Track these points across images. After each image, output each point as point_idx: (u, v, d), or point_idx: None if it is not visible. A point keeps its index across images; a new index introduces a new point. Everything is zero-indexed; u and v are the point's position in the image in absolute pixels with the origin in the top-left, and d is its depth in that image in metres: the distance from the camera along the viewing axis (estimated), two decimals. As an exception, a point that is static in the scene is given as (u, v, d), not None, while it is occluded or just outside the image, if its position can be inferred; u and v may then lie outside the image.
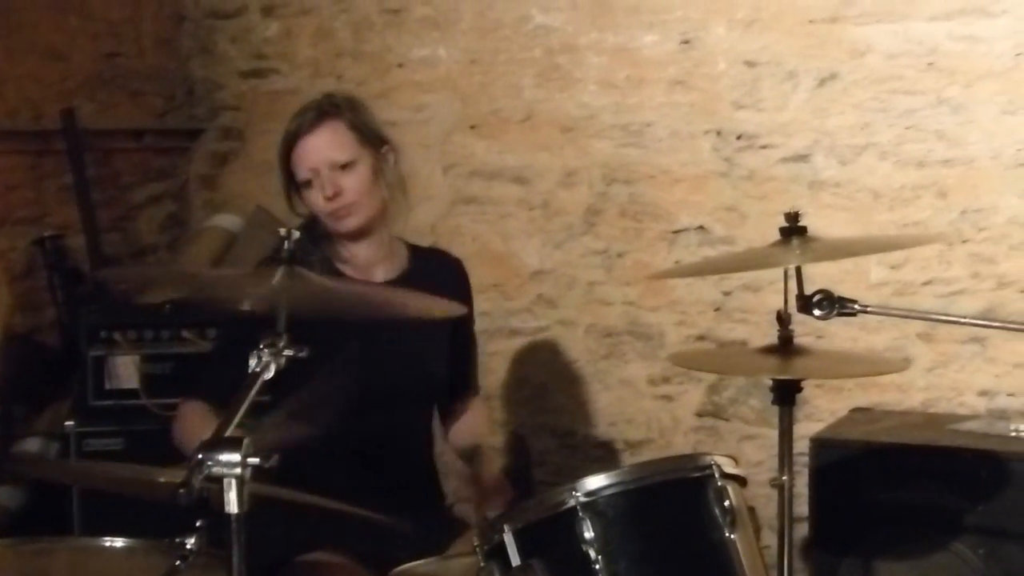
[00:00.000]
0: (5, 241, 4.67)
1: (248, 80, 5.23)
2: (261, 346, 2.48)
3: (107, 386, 4.30)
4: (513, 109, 4.80)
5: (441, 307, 3.01)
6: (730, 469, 2.80)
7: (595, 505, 2.69)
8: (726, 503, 2.73)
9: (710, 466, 2.76)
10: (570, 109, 4.70)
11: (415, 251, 3.60)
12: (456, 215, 4.93)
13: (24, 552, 2.73)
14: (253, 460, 2.21)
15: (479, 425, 3.77)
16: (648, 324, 4.60)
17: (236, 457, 2.20)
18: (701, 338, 4.53)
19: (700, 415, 4.57)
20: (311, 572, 3.25)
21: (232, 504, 2.19)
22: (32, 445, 4.39)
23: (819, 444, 3.83)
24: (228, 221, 5.08)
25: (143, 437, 4.21)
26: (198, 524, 2.26)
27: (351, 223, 3.38)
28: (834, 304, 2.98)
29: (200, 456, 2.19)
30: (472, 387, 3.81)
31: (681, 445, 4.56)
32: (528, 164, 4.80)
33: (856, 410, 4.21)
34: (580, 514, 2.65)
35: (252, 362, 2.46)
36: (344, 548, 3.26)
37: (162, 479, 2.40)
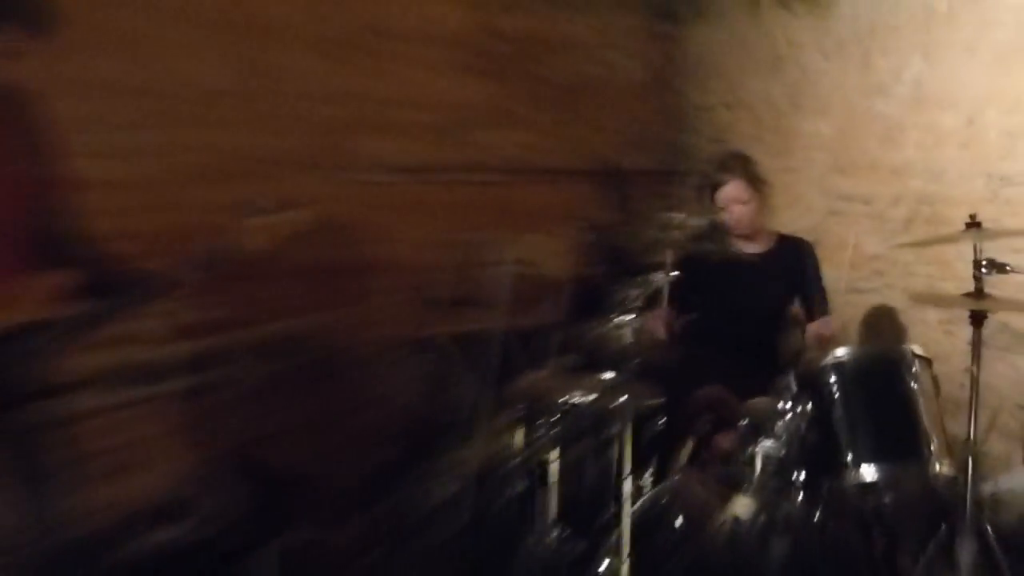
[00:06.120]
0: None
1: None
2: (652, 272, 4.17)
3: None
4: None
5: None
6: (919, 352, 3.96)
7: (840, 366, 3.93)
8: (913, 370, 3.87)
9: (907, 349, 3.97)
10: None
11: (780, 237, 5.30)
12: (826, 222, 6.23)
13: None
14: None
15: (827, 329, 5.01)
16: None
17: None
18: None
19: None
20: (708, 398, 4.63)
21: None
22: None
23: None
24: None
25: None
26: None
27: (739, 231, 5.18)
28: None
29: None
30: (822, 306, 5.09)
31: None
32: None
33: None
34: (829, 370, 3.94)
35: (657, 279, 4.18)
36: (724, 385, 4.72)
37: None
